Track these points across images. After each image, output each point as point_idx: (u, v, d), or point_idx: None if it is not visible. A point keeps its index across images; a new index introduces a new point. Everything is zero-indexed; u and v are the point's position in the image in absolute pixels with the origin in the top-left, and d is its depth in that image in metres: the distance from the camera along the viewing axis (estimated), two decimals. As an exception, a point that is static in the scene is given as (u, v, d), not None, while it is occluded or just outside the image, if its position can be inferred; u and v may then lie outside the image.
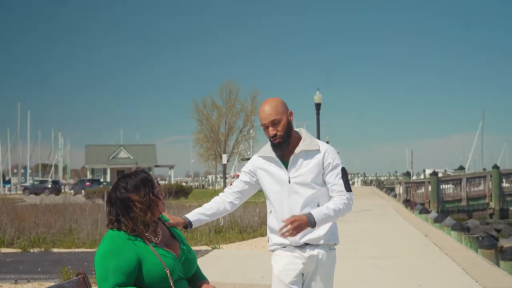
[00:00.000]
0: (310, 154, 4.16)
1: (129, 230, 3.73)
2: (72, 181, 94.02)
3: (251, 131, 67.16)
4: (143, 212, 3.74)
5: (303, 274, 4.20)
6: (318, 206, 4.11)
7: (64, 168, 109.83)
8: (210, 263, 11.53)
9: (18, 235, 16.34)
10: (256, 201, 36.20)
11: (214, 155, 66.16)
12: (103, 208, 23.05)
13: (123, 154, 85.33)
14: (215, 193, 60.59)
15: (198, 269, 4.14)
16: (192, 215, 4.40)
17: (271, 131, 4.12)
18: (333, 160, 4.16)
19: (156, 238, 3.88)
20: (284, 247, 4.23)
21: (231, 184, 4.65)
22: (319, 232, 4.14)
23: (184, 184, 66.79)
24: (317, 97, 27.70)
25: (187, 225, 4.33)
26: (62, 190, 72.31)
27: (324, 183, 4.17)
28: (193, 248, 14.40)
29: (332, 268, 4.27)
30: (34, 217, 19.05)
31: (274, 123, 4.11)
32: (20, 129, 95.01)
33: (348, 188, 4.16)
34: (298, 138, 4.23)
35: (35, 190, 67.10)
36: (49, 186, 69.20)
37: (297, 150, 4.16)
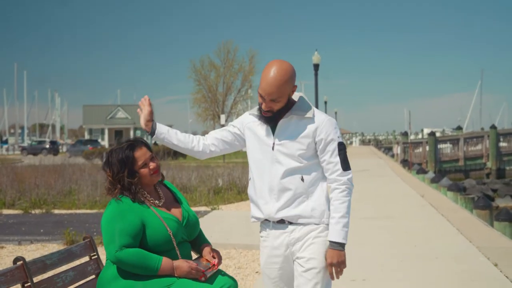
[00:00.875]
0: (302, 122, 3.62)
1: (118, 195, 3.94)
2: (70, 141, 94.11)
3: (249, 91, 66.99)
4: (110, 189, 3.98)
5: (296, 259, 3.71)
6: (302, 180, 3.62)
7: (62, 128, 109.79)
8: (209, 224, 11.70)
9: (18, 197, 16.48)
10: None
11: (212, 115, 66.10)
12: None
13: (120, 114, 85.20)
14: (213, 153, 60.40)
15: (201, 232, 4.27)
16: (161, 128, 3.89)
17: (265, 106, 3.60)
18: (327, 135, 3.60)
19: (159, 202, 4.02)
20: (262, 221, 3.79)
21: None
22: (299, 210, 3.65)
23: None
24: (316, 58, 27.64)
25: (150, 130, 3.89)
26: (60, 150, 72.44)
27: (313, 157, 3.64)
28: (193, 209, 14.59)
29: (323, 251, 3.67)
30: (34, 178, 19.17)
31: (273, 101, 3.56)
32: (16, 89, 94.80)
33: (345, 166, 3.61)
34: (293, 102, 3.69)
35: (33, 150, 67.19)
36: (47, 146, 69.26)
37: (288, 115, 3.62)
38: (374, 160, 38.95)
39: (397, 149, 42.47)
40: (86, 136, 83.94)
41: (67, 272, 4.32)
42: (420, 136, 71.58)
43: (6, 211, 14.96)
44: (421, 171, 25.76)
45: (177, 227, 3.94)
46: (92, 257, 4.71)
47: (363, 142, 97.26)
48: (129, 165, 3.93)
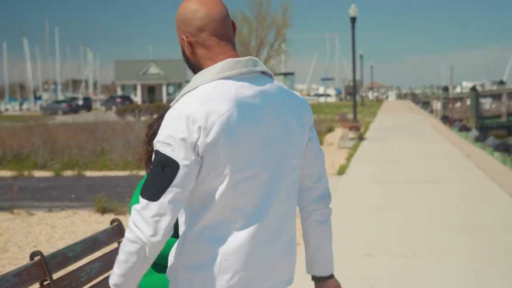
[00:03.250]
0: None
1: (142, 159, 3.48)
2: (103, 97, 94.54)
3: (283, 45, 66.04)
4: (144, 147, 3.47)
5: None
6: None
7: (95, 84, 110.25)
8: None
9: (51, 157, 16.21)
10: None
11: (245, 70, 65.27)
12: (135, 127, 22.83)
13: (153, 69, 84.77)
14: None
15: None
16: None
17: None
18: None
19: None
20: None
21: None
22: None
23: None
24: (352, 11, 26.61)
25: None
26: (93, 107, 72.92)
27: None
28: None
29: None
30: (66, 138, 18.90)
31: None
32: (48, 46, 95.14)
33: (145, 192, 2.06)
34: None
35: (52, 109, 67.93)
36: (80, 103, 69.80)
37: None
38: (412, 116, 38.06)
39: (437, 105, 41.32)
40: (119, 92, 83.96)
41: (92, 263, 3.81)
42: (458, 89, 69.88)
43: (38, 173, 14.66)
44: (464, 128, 24.84)
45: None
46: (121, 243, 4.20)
47: (399, 96, 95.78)
48: None
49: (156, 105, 44.44)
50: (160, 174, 2.05)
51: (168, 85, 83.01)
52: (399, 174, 12.81)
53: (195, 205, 2.16)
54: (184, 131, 2.05)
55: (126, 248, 2.08)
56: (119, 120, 32.45)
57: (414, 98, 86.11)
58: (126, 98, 67.85)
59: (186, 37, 2.20)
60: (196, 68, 2.24)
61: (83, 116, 36.46)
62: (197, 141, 2.05)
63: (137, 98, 78.20)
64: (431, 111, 44.49)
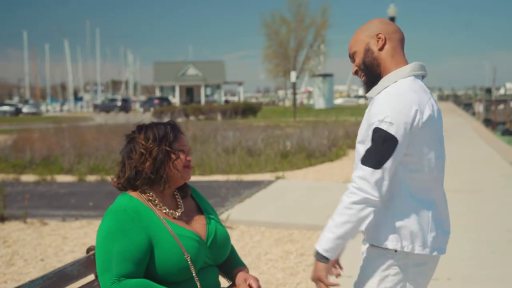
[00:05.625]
0: (372, 105, 2.74)
1: (125, 183, 3.04)
2: (143, 98, 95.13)
3: (322, 46, 65.21)
4: (142, 159, 2.89)
5: None
6: None
7: (135, 85, 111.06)
8: (271, 198, 10.60)
9: (78, 161, 15.85)
10: (326, 120, 35.19)
11: (283, 72, 64.78)
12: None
13: (191, 71, 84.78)
14: (285, 110, 59.84)
15: (234, 252, 3.17)
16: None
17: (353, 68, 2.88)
18: (370, 117, 2.65)
19: (175, 212, 2.93)
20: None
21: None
22: (367, 227, 2.70)
23: (254, 100, 66.31)
24: (391, 10, 25.88)
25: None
26: (132, 108, 73.47)
27: None
28: (257, 176, 13.58)
29: (370, 272, 2.77)
30: (96, 141, 18.53)
31: (352, 58, 2.86)
32: (89, 47, 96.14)
33: (368, 162, 2.58)
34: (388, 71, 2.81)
35: (105, 108, 68.65)
36: (119, 104, 70.48)
37: (370, 93, 2.81)
38: (453, 119, 37.05)
39: (479, 107, 40.13)
40: (157, 94, 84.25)
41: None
42: (502, 91, 68.10)
43: (61, 178, 14.27)
44: (507, 132, 23.80)
45: (198, 249, 2.84)
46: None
47: (441, 98, 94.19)
48: (168, 141, 2.88)
49: (193, 106, 44.06)
50: (382, 147, 2.56)
51: (206, 86, 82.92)
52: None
53: (406, 173, 2.66)
54: (406, 114, 2.56)
55: (349, 211, 2.59)
56: (154, 120, 32.22)
57: (456, 99, 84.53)
58: (164, 100, 68.04)
59: (381, 33, 2.77)
60: (375, 63, 2.77)
61: (120, 118, 36.32)
62: (412, 123, 2.58)
63: (176, 100, 78.26)
64: (473, 113, 43.42)
